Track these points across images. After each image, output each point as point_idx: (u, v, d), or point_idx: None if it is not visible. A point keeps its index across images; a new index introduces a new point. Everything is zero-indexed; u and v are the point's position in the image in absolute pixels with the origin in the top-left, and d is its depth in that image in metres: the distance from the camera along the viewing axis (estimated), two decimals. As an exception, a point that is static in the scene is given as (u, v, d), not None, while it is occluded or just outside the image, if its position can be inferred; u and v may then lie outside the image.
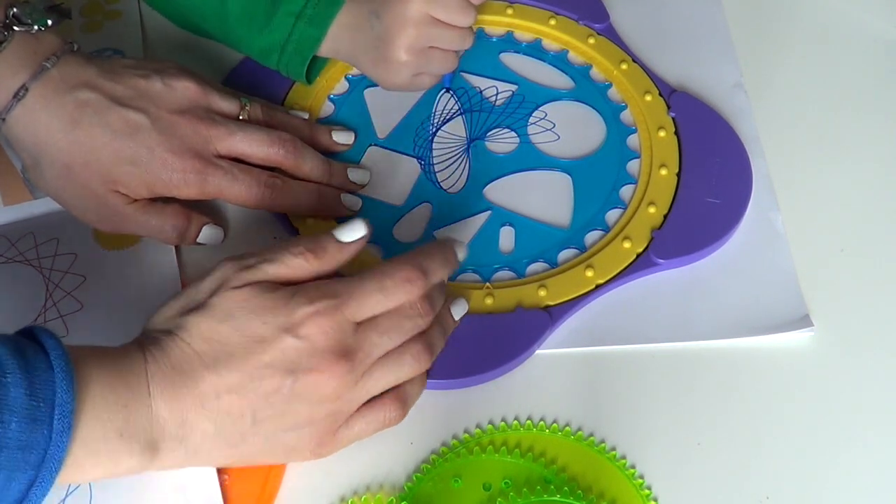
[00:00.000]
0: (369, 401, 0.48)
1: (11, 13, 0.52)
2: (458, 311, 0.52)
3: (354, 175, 0.60)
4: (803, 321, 0.54)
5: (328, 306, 0.45)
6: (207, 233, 0.57)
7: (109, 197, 0.53)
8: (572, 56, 0.67)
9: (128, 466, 0.43)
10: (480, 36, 0.68)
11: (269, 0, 0.59)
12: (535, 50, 0.68)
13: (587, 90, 0.65)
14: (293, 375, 0.44)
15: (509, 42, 0.68)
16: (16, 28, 0.52)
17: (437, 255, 0.50)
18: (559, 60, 0.67)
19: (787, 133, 0.63)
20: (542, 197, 0.60)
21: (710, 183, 0.59)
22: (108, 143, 0.52)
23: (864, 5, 0.69)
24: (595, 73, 0.66)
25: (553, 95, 0.65)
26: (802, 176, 0.61)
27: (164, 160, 0.53)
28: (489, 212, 0.59)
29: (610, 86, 0.65)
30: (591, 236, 0.58)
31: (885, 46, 0.68)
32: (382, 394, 0.48)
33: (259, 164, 0.57)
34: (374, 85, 0.65)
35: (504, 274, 0.56)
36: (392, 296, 0.47)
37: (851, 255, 0.58)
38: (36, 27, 0.52)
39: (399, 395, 0.48)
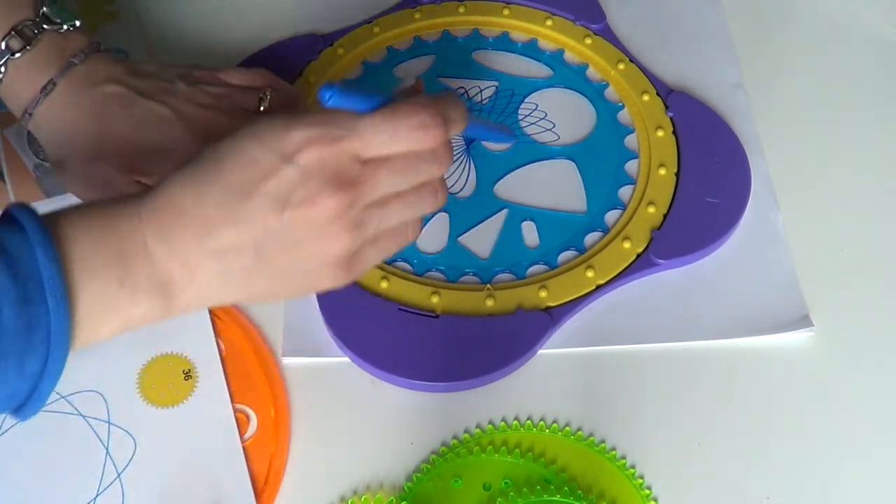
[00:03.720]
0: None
1: (42, 12, 0.53)
2: None
3: None
4: (803, 321, 0.54)
5: (329, 134, 0.41)
6: None
7: (133, 188, 0.53)
8: (542, 43, 0.67)
9: (140, 316, 0.41)
10: (447, 37, 0.68)
11: None
12: (503, 43, 0.68)
13: (565, 75, 0.65)
14: (289, 206, 0.41)
15: (476, 39, 0.68)
16: (45, 27, 0.53)
17: (459, 108, 0.45)
18: (530, 50, 0.67)
19: (787, 133, 0.63)
20: (553, 186, 0.60)
21: (710, 183, 0.59)
22: (132, 134, 0.52)
23: (864, 5, 0.69)
24: (569, 56, 0.66)
25: (534, 86, 0.65)
26: (802, 176, 0.61)
27: (189, 151, 0.52)
28: (505, 210, 0.59)
29: (587, 66, 0.66)
30: (611, 216, 0.58)
31: (885, 46, 0.67)
32: None
33: None
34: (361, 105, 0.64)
35: (507, 276, 0.56)
36: (403, 140, 0.42)
37: (851, 255, 0.58)
38: (65, 26, 0.53)
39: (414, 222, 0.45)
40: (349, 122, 0.42)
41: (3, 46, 0.52)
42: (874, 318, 0.55)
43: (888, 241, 0.58)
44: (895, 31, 0.68)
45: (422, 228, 0.46)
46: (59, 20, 0.53)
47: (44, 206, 0.57)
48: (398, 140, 0.42)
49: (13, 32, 0.52)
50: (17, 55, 0.52)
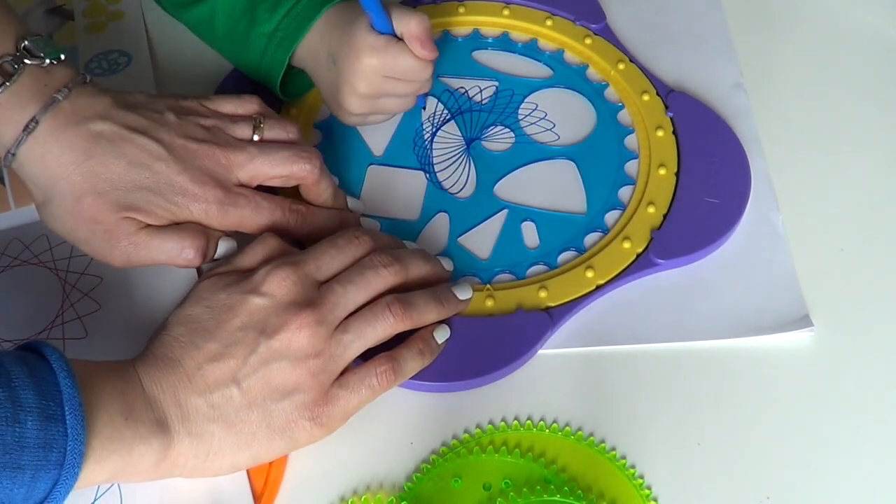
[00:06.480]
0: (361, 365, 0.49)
1: (23, 46, 0.50)
2: (445, 326, 0.52)
3: (352, 204, 0.59)
4: (803, 321, 0.54)
5: (286, 263, 0.49)
6: (224, 246, 0.53)
7: (121, 224, 0.50)
8: (542, 43, 0.67)
9: (138, 457, 0.44)
10: (447, 37, 0.68)
11: (247, 21, 0.60)
12: (503, 43, 0.68)
13: (565, 75, 0.66)
14: (265, 333, 0.47)
15: (476, 39, 0.68)
16: (27, 61, 0.50)
17: (385, 236, 0.54)
18: (530, 50, 0.67)
19: (786, 133, 0.63)
20: (553, 186, 0.60)
21: (709, 183, 0.59)
22: (125, 174, 0.50)
23: (864, 5, 0.69)
24: (569, 56, 0.67)
25: (535, 85, 0.65)
26: (802, 176, 0.61)
27: (185, 190, 0.51)
28: (505, 210, 0.59)
29: (587, 66, 0.66)
30: (611, 216, 0.58)
31: (885, 46, 0.68)
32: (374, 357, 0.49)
33: (280, 185, 0.55)
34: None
35: (507, 276, 0.56)
36: (343, 249, 0.51)
37: (851, 255, 0.58)
38: (48, 60, 0.50)
39: (390, 355, 0.50)
40: (300, 253, 0.50)
41: None
42: (874, 318, 0.55)
43: (888, 241, 0.58)
44: (895, 31, 0.68)
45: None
46: (41, 54, 0.50)
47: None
48: (341, 251, 0.50)
49: None
50: None
